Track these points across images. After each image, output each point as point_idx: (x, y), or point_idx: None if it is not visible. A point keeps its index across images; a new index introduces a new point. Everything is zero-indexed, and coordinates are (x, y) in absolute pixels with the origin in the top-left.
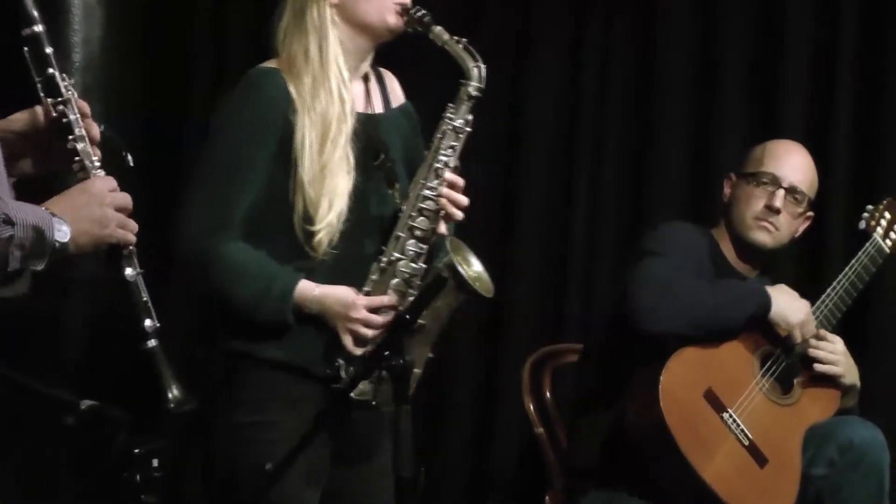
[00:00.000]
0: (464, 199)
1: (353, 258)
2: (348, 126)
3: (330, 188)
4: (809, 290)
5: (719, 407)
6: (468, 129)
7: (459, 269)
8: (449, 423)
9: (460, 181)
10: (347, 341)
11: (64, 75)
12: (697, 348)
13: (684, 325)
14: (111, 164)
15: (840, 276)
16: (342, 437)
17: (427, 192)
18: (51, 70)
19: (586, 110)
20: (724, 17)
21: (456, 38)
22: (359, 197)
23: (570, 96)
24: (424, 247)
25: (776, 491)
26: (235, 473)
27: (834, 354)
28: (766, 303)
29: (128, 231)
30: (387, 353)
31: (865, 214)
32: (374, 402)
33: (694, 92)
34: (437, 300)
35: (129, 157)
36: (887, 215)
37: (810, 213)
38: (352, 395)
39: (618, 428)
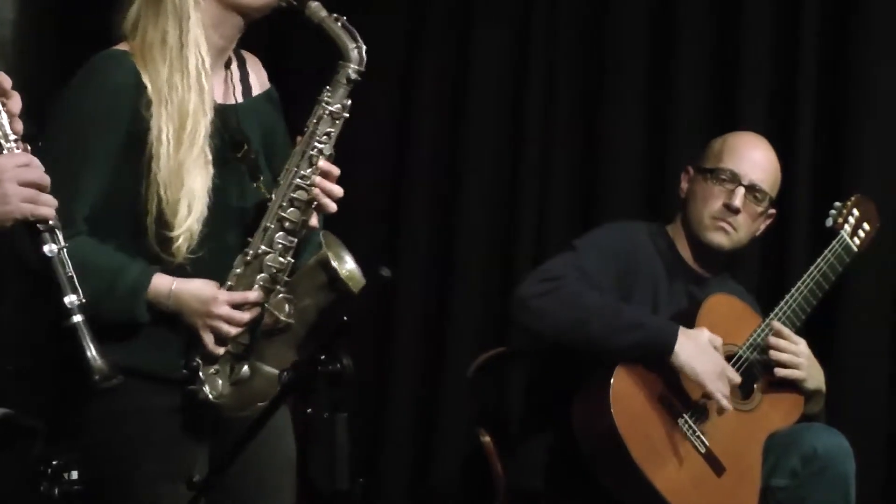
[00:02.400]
0: (338, 190)
1: (215, 260)
2: (207, 119)
3: (188, 189)
4: (773, 290)
5: (674, 412)
6: (345, 114)
7: (333, 264)
8: (389, 431)
9: (335, 170)
10: (207, 340)
11: None
12: None
13: (548, 327)
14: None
15: (805, 276)
16: (218, 443)
17: (299, 182)
18: None
19: (533, 100)
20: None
21: (335, 15)
22: (218, 194)
23: (516, 83)
24: (294, 240)
25: (734, 502)
26: (100, 495)
27: (797, 357)
28: (663, 345)
29: (40, 206)
30: (322, 357)
31: (833, 212)
32: (217, 403)
33: (649, 79)
34: (305, 298)
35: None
36: (855, 213)
37: (772, 211)
38: (210, 397)
39: (567, 435)
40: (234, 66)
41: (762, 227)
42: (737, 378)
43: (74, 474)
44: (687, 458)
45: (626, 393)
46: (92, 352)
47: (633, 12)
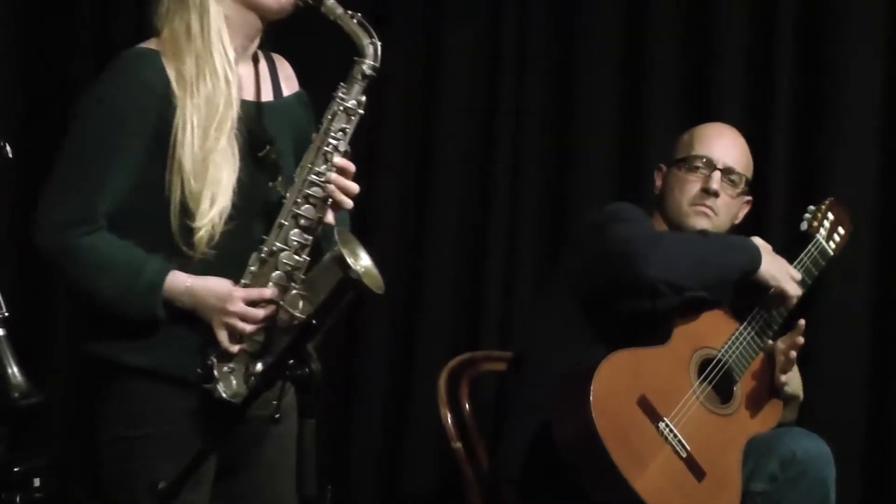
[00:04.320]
0: (354, 187)
1: (235, 258)
2: (234, 111)
3: (213, 181)
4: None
5: (654, 416)
6: (361, 110)
7: (348, 261)
8: (358, 436)
9: (351, 166)
10: (222, 337)
11: None
12: (630, 352)
13: (678, 273)
14: None
15: None
16: (227, 445)
17: (314, 178)
18: None
19: (504, 99)
20: None
21: (350, 12)
22: (243, 192)
23: (487, 81)
24: (309, 237)
25: None
26: (112, 495)
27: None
28: (756, 257)
29: None
30: (290, 361)
31: (807, 215)
32: (232, 402)
33: (622, 77)
34: (321, 294)
35: (8, 149)
36: (830, 216)
37: (749, 197)
38: (224, 396)
39: (545, 437)
40: (263, 65)
41: (741, 213)
42: (798, 274)
43: (37, 482)
44: (668, 462)
45: (606, 396)
46: (13, 368)
47: (606, 9)
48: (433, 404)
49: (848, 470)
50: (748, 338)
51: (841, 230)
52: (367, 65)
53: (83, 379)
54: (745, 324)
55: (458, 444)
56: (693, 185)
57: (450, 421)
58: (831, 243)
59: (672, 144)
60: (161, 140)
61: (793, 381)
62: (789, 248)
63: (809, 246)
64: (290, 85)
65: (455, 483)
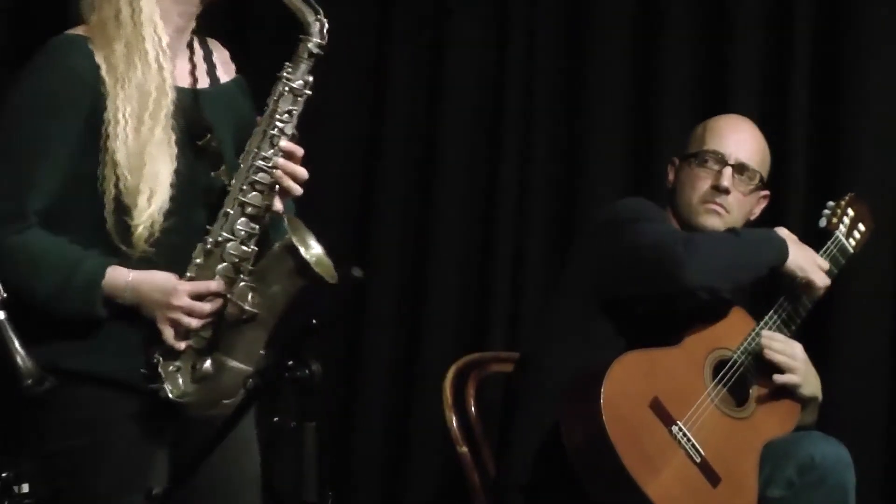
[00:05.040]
0: (303, 172)
1: (177, 254)
2: (168, 100)
3: (150, 174)
4: (765, 295)
5: (667, 419)
6: (308, 91)
7: (299, 249)
8: (360, 440)
9: (299, 151)
10: (167, 333)
11: None
12: (642, 353)
13: (717, 277)
14: None
15: None
16: (179, 452)
17: (260, 164)
18: None
19: (512, 92)
20: None
21: None
22: (183, 184)
23: (494, 75)
24: (256, 227)
25: None
26: None
27: (792, 361)
28: (784, 250)
29: None
30: (289, 362)
31: (826, 211)
32: (180, 402)
33: (633, 72)
34: (272, 285)
35: None
36: (850, 212)
37: (766, 193)
38: (171, 396)
39: (553, 442)
40: (199, 51)
41: (756, 208)
42: (825, 264)
43: (25, 487)
44: (681, 468)
45: (617, 399)
46: (20, 353)
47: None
48: (438, 407)
49: (868, 475)
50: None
51: (861, 227)
52: (314, 42)
53: (18, 388)
54: (762, 323)
55: (464, 449)
56: (704, 182)
57: (455, 424)
58: (851, 240)
59: (686, 137)
60: (93, 131)
61: (810, 382)
62: (808, 245)
63: (829, 243)
64: (226, 70)
65: (460, 489)
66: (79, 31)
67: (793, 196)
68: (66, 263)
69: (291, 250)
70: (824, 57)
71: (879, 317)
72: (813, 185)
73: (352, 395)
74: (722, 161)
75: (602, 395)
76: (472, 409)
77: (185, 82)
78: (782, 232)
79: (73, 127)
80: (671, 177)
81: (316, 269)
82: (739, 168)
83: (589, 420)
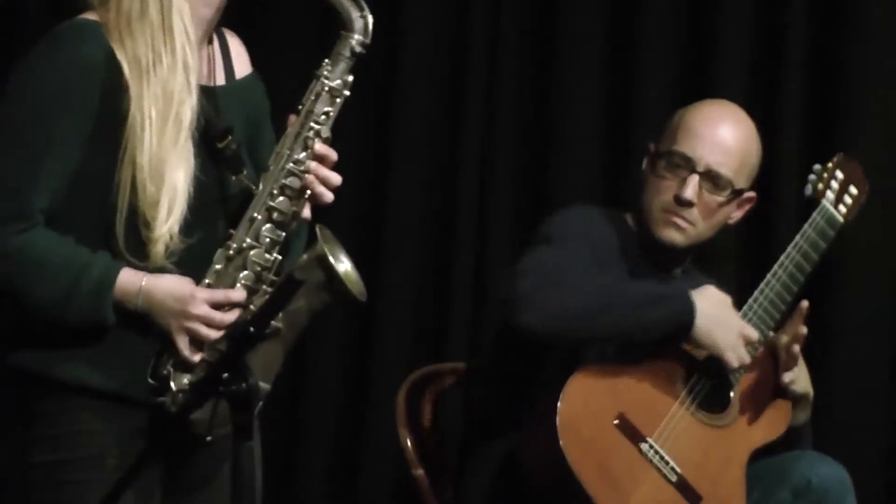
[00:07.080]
0: (335, 177)
1: (192, 261)
2: (193, 101)
3: (170, 185)
4: (752, 277)
5: (636, 436)
6: (346, 92)
7: (330, 261)
8: (306, 463)
9: (333, 154)
10: (182, 344)
11: None
12: (603, 365)
13: (569, 324)
14: None
15: (782, 257)
16: (175, 464)
17: (292, 167)
18: None
19: (474, 76)
20: None
21: None
22: (200, 190)
23: (454, 57)
24: (282, 234)
25: None
26: None
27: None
28: (686, 316)
29: None
30: (225, 374)
31: (812, 177)
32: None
33: (609, 46)
34: (297, 300)
35: None
36: (839, 175)
37: (750, 195)
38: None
39: (512, 466)
40: (216, 44)
41: (737, 213)
42: (754, 335)
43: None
44: (655, 490)
45: (576, 418)
46: None
47: None
48: (391, 425)
49: (870, 499)
50: None
51: (853, 190)
52: (356, 40)
53: (5, 396)
54: (740, 313)
55: (420, 472)
56: (668, 189)
57: (410, 444)
58: (841, 207)
59: (664, 118)
60: (106, 128)
61: (800, 377)
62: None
63: (814, 214)
64: (241, 63)
65: None
66: (90, 15)
67: (784, 170)
68: (75, 266)
69: (322, 262)
70: (817, 29)
71: (880, 324)
72: (807, 158)
73: (297, 411)
74: (689, 166)
75: (558, 416)
76: (429, 426)
77: (203, 79)
78: (705, 293)
79: (84, 123)
80: (644, 166)
81: (346, 284)
82: (708, 176)
83: (545, 446)
